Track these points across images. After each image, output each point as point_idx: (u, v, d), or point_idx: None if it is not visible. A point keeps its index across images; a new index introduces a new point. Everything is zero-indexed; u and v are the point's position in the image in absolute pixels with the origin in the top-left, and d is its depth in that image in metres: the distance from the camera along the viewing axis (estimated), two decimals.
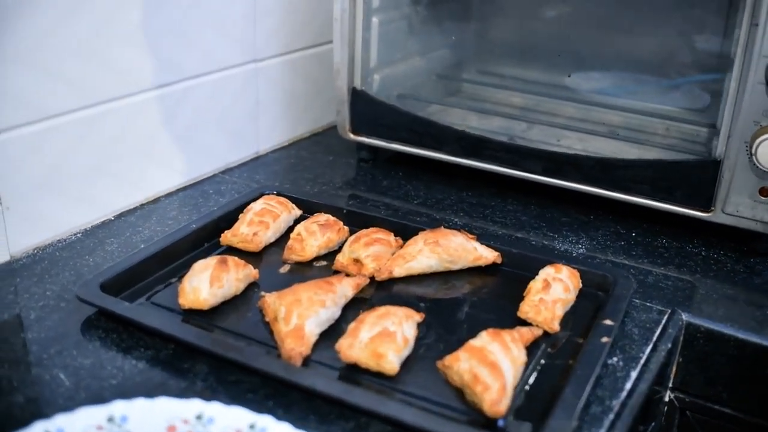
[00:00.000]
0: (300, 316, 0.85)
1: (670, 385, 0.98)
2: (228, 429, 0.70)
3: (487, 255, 1.02)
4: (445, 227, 1.05)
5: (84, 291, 0.88)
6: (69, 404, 0.75)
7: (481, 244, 1.03)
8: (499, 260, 1.03)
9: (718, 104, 1.14)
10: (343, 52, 1.27)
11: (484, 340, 0.82)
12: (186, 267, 0.98)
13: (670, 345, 0.91)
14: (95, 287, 0.89)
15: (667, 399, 0.98)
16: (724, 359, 0.94)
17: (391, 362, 0.80)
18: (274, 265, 1.03)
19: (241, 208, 1.10)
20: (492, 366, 0.78)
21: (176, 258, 1.00)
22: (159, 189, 1.19)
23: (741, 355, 0.93)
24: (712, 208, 1.10)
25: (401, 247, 1.04)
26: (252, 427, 0.70)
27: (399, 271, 0.99)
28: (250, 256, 1.03)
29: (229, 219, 1.08)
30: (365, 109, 1.31)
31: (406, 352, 0.83)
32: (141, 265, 0.95)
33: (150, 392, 0.76)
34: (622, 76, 1.48)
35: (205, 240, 1.05)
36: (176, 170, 1.21)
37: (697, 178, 1.10)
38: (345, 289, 0.93)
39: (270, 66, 1.34)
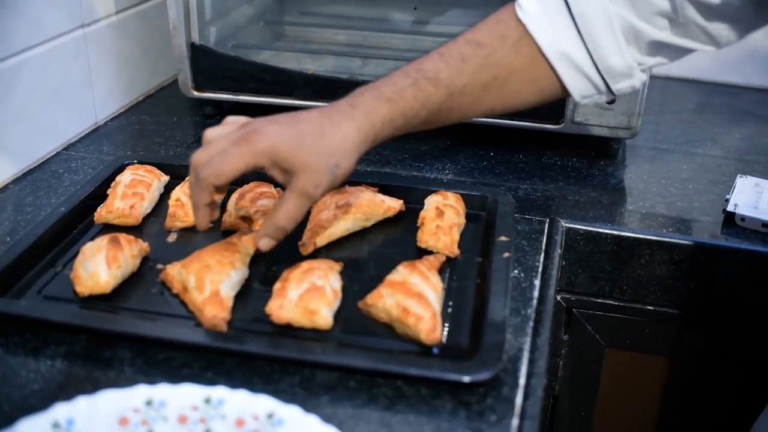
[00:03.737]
0: (213, 281, 0.83)
1: (557, 287, 1.05)
2: (183, 408, 0.68)
3: (393, 205, 1.01)
4: (348, 185, 1.02)
5: None
6: None
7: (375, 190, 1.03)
8: (403, 208, 1.02)
9: None
10: (179, 6, 1.21)
11: (403, 273, 0.84)
12: (64, 253, 0.94)
13: (560, 251, 0.98)
14: None
15: (554, 301, 1.06)
16: (604, 256, 1.03)
17: (325, 317, 0.80)
18: (158, 235, 0.98)
19: (106, 183, 1.04)
20: (418, 297, 0.80)
21: (53, 246, 0.94)
22: (3, 176, 1.10)
23: (618, 249, 1.02)
24: (562, 120, 1.17)
25: None
26: (208, 401, 0.69)
27: (321, 241, 0.96)
28: (130, 231, 0.98)
29: (97, 196, 1.02)
30: (207, 64, 1.27)
31: (336, 304, 0.83)
32: (20, 258, 0.88)
33: (82, 390, 0.72)
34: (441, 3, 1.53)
35: (77, 222, 0.99)
36: (17, 153, 1.12)
37: None
38: (247, 246, 0.91)
39: (98, 30, 1.25)
